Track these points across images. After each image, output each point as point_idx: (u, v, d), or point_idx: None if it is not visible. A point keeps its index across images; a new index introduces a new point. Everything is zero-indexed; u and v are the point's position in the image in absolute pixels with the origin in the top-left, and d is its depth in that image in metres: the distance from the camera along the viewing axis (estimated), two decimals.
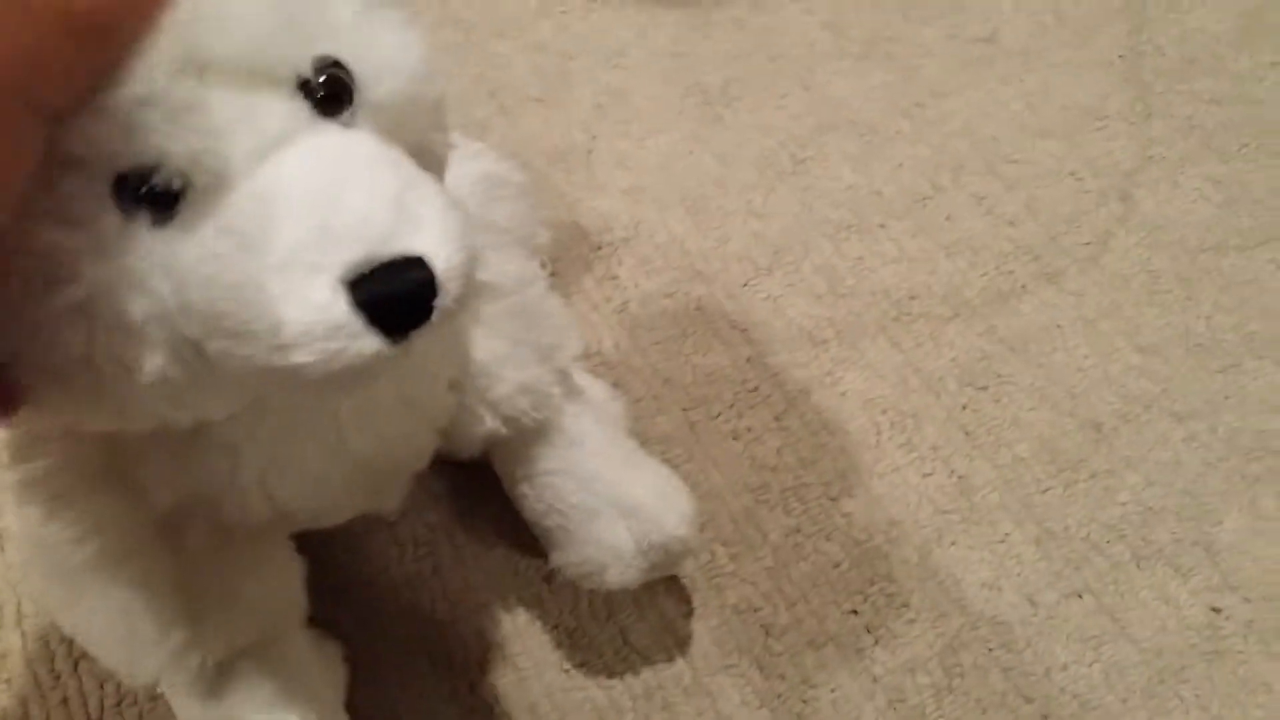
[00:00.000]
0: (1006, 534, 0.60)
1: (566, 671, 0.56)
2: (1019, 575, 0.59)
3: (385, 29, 0.35)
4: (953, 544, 0.60)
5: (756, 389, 0.65)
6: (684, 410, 0.65)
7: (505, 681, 0.55)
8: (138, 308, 0.30)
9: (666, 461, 0.62)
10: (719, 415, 0.64)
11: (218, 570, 0.43)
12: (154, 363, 0.31)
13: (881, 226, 0.73)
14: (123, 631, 0.42)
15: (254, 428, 0.40)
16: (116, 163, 0.29)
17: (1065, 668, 0.56)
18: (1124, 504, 0.61)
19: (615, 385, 0.63)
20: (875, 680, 0.56)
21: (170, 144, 0.29)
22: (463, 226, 0.32)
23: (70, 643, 0.54)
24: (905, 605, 0.58)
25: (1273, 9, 0.84)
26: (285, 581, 0.46)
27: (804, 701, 0.55)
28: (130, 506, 0.41)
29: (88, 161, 0.29)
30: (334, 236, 0.30)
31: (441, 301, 0.31)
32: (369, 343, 0.30)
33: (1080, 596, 0.58)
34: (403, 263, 0.30)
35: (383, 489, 0.48)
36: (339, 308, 0.29)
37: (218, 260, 0.30)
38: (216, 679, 0.44)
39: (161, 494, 0.40)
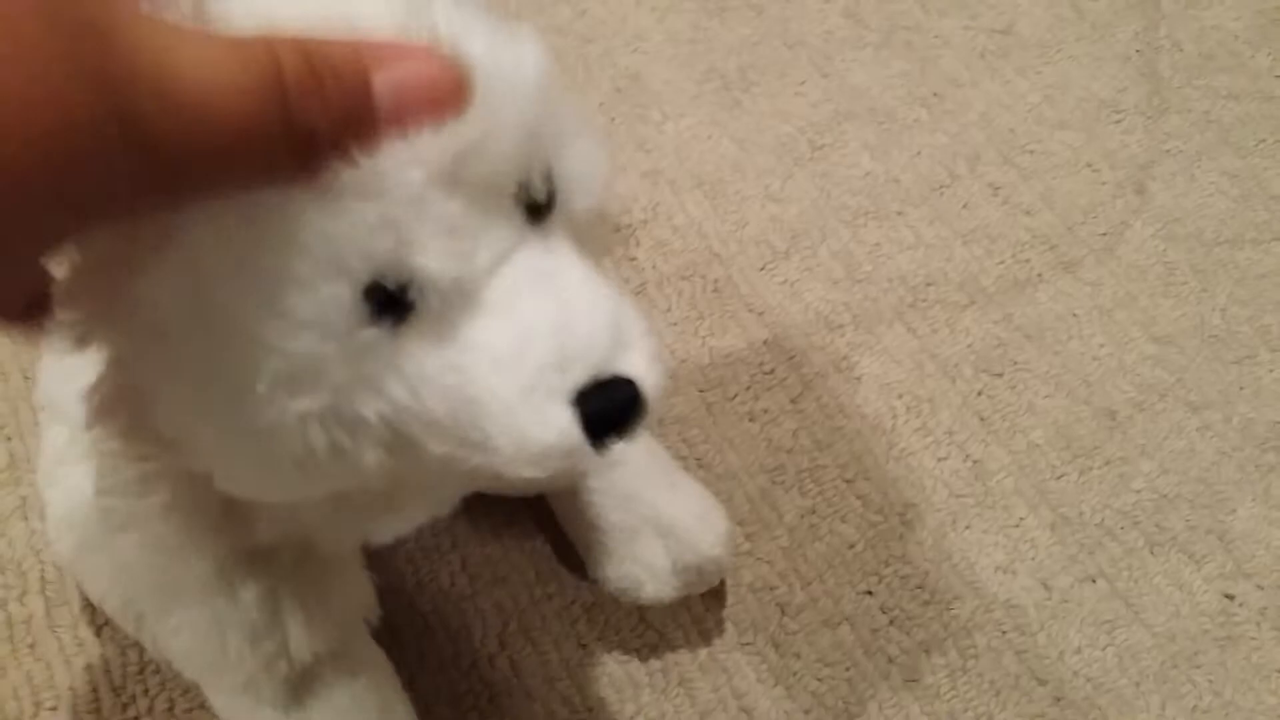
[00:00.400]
0: (1021, 518, 0.61)
1: (584, 646, 0.56)
2: (1033, 559, 0.60)
3: (588, 142, 0.36)
4: (967, 528, 0.61)
5: (773, 371, 0.66)
6: (700, 391, 0.65)
7: (523, 655, 0.56)
8: (371, 410, 0.32)
9: (683, 442, 0.63)
10: (735, 397, 0.65)
11: (302, 582, 0.44)
12: (373, 458, 0.33)
13: (899, 214, 0.73)
14: (214, 644, 0.43)
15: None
16: (374, 273, 0.30)
17: (1079, 651, 0.57)
18: (1138, 491, 0.62)
19: None
20: (890, 660, 0.56)
21: (425, 257, 0.30)
22: (658, 345, 0.34)
23: (94, 609, 0.54)
24: (920, 587, 0.59)
25: None
26: (361, 589, 0.47)
27: (819, 680, 0.56)
28: (228, 533, 0.41)
29: (346, 270, 0.29)
30: (569, 360, 0.31)
31: (646, 417, 0.33)
32: (589, 459, 0.32)
33: (1094, 581, 0.59)
34: (619, 382, 0.32)
35: (449, 503, 0.49)
36: (576, 432, 0.31)
37: (464, 374, 0.31)
38: (299, 687, 0.46)
39: (267, 533, 0.41)
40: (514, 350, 0.31)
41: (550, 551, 0.59)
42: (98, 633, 0.54)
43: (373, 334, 0.30)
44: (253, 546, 0.42)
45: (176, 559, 0.43)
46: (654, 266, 0.70)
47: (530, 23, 0.37)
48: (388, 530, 0.46)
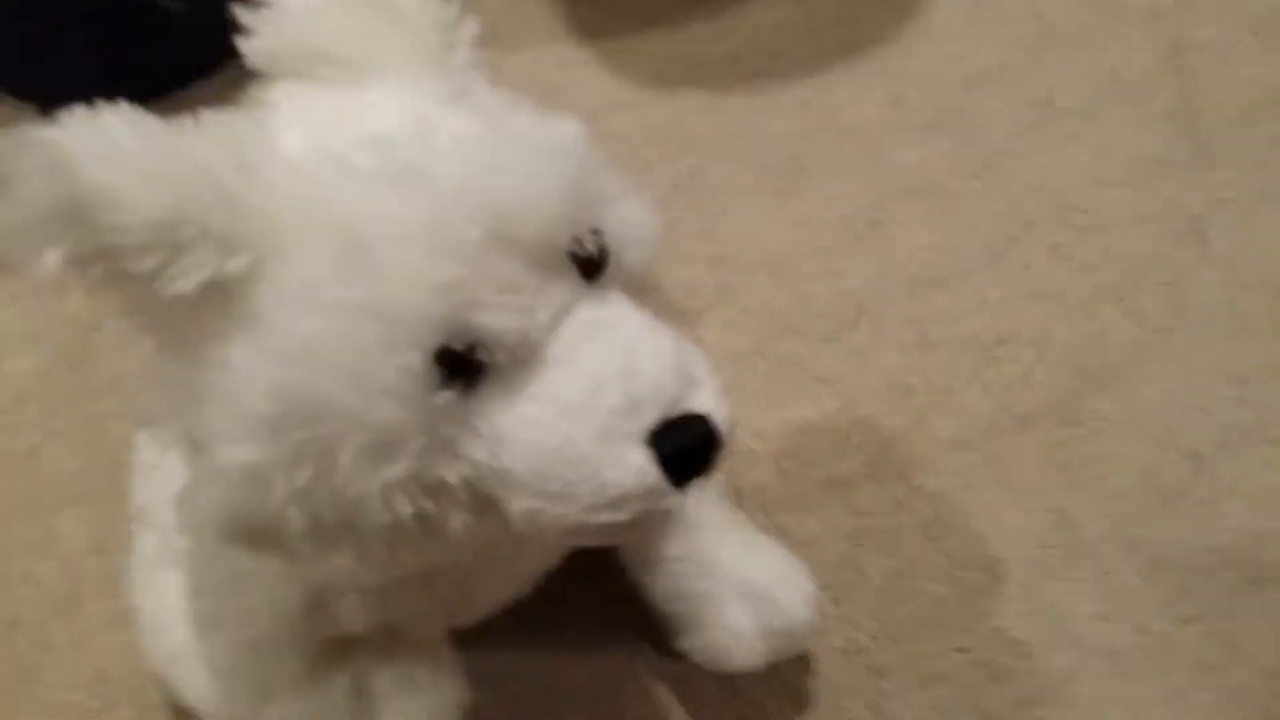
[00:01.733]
0: (1111, 565, 0.60)
1: None
2: (1128, 605, 0.58)
3: (633, 202, 0.39)
4: (1058, 578, 0.60)
5: (848, 437, 0.67)
6: (776, 461, 0.66)
7: None
8: (453, 473, 0.34)
9: (762, 511, 0.63)
10: (811, 464, 0.65)
11: (391, 671, 0.45)
12: (458, 522, 0.35)
13: (962, 280, 0.74)
14: None
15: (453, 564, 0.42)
16: (443, 336, 0.32)
17: (1184, 694, 0.55)
18: (1233, 529, 0.61)
19: None
20: (991, 716, 0.55)
21: (489, 316, 0.32)
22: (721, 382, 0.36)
23: (187, 715, 0.55)
24: (1015, 640, 0.58)
25: None
26: (450, 675, 0.48)
27: None
28: (316, 626, 0.43)
29: (418, 334, 0.32)
30: (638, 402, 0.33)
31: (721, 451, 0.35)
32: (671, 499, 0.34)
33: (1192, 623, 0.57)
34: (691, 419, 0.34)
35: (531, 579, 0.50)
36: (653, 472, 0.33)
37: (539, 426, 0.33)
38: None
39: (354, 623, 0.42)
40: (585, 398, 0.33)
41: (640, 623, 0.60)
42: None
43: (447, 397, 0.32)
44: (340, 637, 0.43)
45: (268, 656, 0.44)
46: (724, 345, 0.72)
47: (588, 129, 0.41)
48: (472, 613, 0.47)
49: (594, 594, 0.61)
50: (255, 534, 0.35)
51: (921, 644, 0.58)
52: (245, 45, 0.38)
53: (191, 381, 0.34)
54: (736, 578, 0.54)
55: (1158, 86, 0.85)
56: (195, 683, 0.50)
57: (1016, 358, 0.70)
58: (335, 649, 0.44)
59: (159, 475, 0.52)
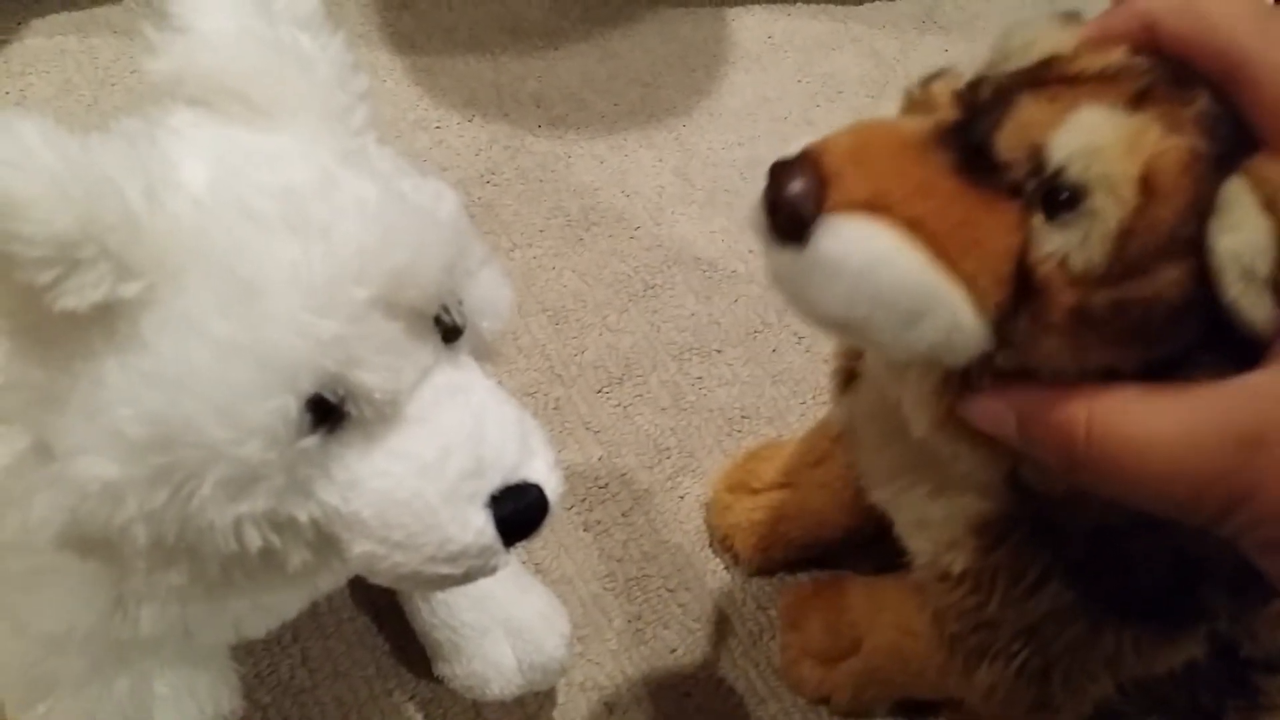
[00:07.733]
0: None
1: None
2: None
3: (491, 274, 0.42)
4: (773, 639, 0.67)
5: (606, 486, 0.72)
6: None
7: None
8: (304, 512, 0.35)
9: (523, 547, 0.67)
10: (571, 508, 0.70)
11: (175, 675, 0.46)
12: (299, 558, 0.36)
13: (718, 352, 0.81)
14: None
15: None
16: (320, 385, 0.34)
17: None
18: None
19: None
20: None
21: (366, 373, 0.34)
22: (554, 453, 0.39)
23: None
24: (731, 690, 0.65)
25: None
26: (229, 682, 0.49)
27: None
28: (115, 628, 0.43)
29: (296, 382, 0.33)
30: (484, 467, 0.36)
31: (548, 518, 0.38)
32: (501, 559, 0.37)
33: None
34: (526, 487, 0.37)
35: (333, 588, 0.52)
36: (490, 532, 0.36)
37: (392, 479, 0.35)
38: None
39: (151, 627, 0.42)
40: (437, 458, 0.36)
41: (390, 647, 0.62)
42: None
43: (312, 441, 0.34)
44: (133, 639, 0.43)
45: (54, 651, 0.43)
46: (499, 382, 0.74)
47: (389, 148, 0.43)
48: (262, 626, 0.48)
49: (348, 612, 0.62)
50: (91, 543, 0.35)
51: (651, 686, 0.64)
52: (149, 63, 0.37)
53: (51, 389, 0.34)
54: (505, 614, 0.57)
55: None
56: None
57: (756, 433, 0.77)
58: (121, 649, 0.43)
59: None
